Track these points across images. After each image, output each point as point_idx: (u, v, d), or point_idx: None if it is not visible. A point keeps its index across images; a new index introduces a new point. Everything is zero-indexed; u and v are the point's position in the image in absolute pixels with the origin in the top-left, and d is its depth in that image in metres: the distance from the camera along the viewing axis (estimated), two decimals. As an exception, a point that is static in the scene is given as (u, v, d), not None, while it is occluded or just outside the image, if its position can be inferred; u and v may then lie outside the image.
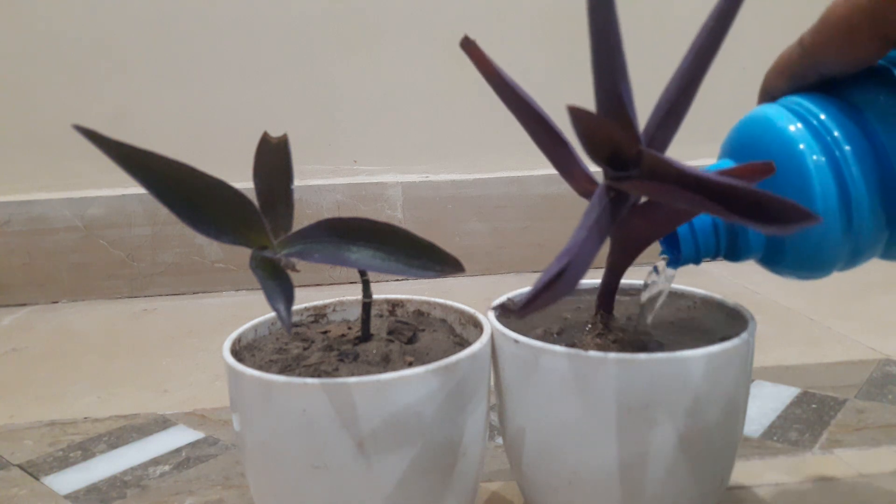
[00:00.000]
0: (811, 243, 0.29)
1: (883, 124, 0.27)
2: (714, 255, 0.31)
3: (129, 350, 0.66)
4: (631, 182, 0.26)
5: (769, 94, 0.31)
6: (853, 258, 0.29)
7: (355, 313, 0.37)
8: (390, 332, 0.33)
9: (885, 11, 0.25)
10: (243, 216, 0.28)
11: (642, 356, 0.28)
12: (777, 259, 0.31)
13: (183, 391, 0.55)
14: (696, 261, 0.31)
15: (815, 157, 0.27)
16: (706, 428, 0.29)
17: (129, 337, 0.70)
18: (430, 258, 0.28)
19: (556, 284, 0.24)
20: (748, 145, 0.30)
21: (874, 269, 0.90)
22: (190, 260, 0.85)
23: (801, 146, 0.28)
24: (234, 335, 0.33)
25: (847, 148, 0.27)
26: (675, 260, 0.32)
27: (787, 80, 0.30)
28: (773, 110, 0.29)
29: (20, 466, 0.44)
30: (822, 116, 0.28)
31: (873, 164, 0.27)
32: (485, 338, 0.31)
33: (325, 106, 0.87)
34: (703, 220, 0.30)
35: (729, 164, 0.30)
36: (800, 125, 0.28)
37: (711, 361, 0.28)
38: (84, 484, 0.42)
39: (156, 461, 0.44)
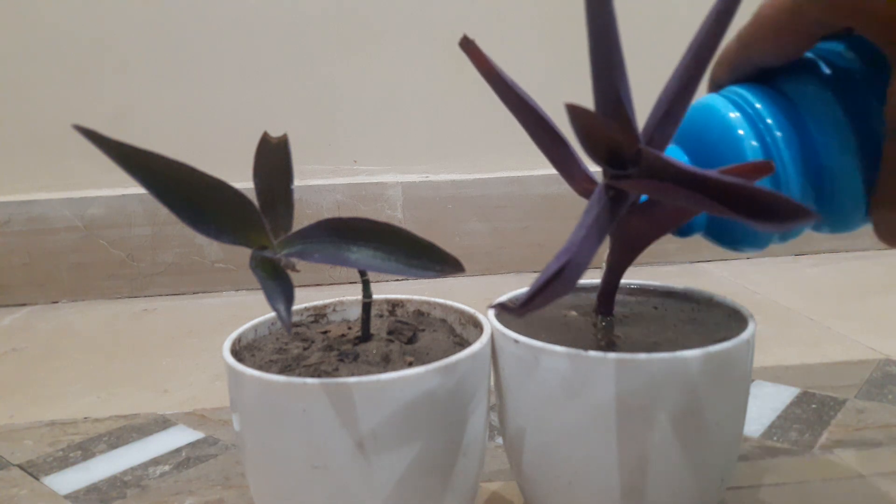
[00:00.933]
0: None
1: (811, 113, 0.30)
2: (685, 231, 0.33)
3: (129, 350, 0.66)
4: (630, 181, 0.26)
5: (715, 83, 0.34)
6: (785, 234, 0.32)
7: (355, 313, 0.37)
8: (390, 332, 0.33)
9: (805, 9, 0.28)
10: (243, 216, 0.28)
11: (642, 356, 0.28)
12: (718, 235, 0.33)
13: (183, 391, 0.55)
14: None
15: (751, 143, 0.30)
16: (706, 428, 0.29)
17: (129, 337, 0.70)
18: (430, 258, 0.28)
19: (555, 283, 0.24)
20: (694, 131, 0.32)
21: (874, 269, 0.91)
22: (190, 260, 0.85)
23: (740, 132, 0.30)
24: (234, 335, 0.33)
25: (778, 134, 0.30)
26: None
27: (729, 71, 0.32)
28: (716, 100, 0.32)
29: (20, 466, 0.44)
30: (758, 105, 0.31)
31: (801, 149, 0.30)
32: (485, 338, 0.31)
33: (325, 106, 0.87)
34: None
35: (676, 150, 0.33)
36: (738, 113, 0.31)
37: (711, 361, 0.28)
38: (84, 484, 0.42)
39: (156, 461, 0.44)
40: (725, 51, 0.32)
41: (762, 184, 0.29)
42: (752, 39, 0.30)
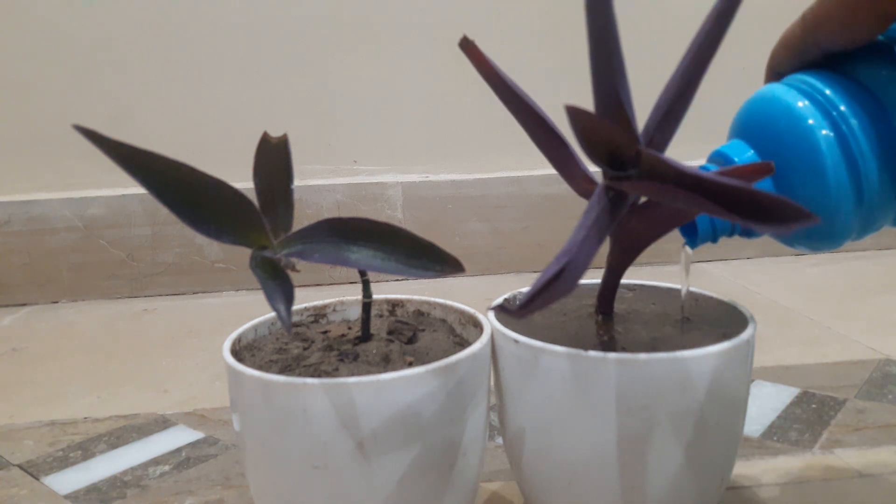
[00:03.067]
0: (825, 217, 0.29)
1: (886, 98, 0.28)
2: (731, 233, 0.32)
3: (129, 350, 0.66)
4: (630, 182, 0.26)
5: (775, 71, 0.31)
6: (864, 229, 0.30)
7: (355, 313, 0.37)
8: (390, 332, 0.33)
9: None
10: (243, 216, 0.28)
11: (642, 356, 0.28)
12: (790, 235, 0.31)
13: (183, 391, 0.55)
14: (714, 238, 0.32)
15: (823, 132, 0.28)
16: (706, 428, 0.29)
17: (129, 337, 0.70)
18: (430, 258, 0.28)
19: (555, 285, 0.24)
20: (757, 124, 0.31)
21: (874, 269, 0.90)
22: (190, 260, 0.85)
23: (810, 122, 0.28)
24: (234, 335, 0.33)
25: (853, 122, 0.28)
26: (692, 240, 0.32)
27: (791, 57, 0.30)
28: (780, 89, 0.30)
29: (20, 466, 0.44)
30: (828, 92, 0.28)
31: (879, 137, 0.28)
32: (485, 338, 0.31)
33: (325, 106, 0.87)
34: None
35: (739, 144, 0.31)
36: (806, 102, 0.29)
37: (711, 361, 0.28)
38: (84, 484, 0.42)
39: (156, 461, 0.44)
40: (787, 35, 0.30)
41: (844, 175, 0.28)
42: (820, 21, 0.28)
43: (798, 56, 0.30)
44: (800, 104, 0.29)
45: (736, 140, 0.31)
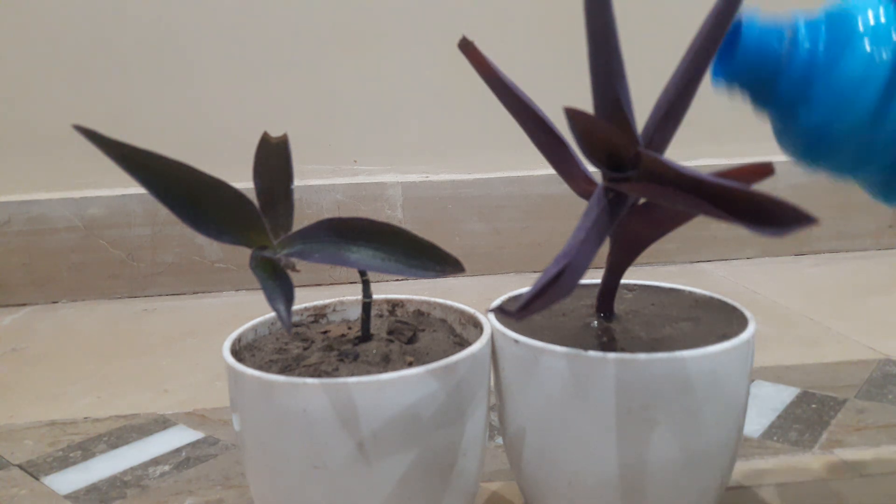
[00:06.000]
0: (839, 113, 0.29)
1: None
2: (758, 77, 0.30)
3: (129, 350, 0.66)
4: (629, 183, 0.26)
5: None
6: (865, 156, 0.29)
7: (355, 313, 0.37)
8: (390, 332, 0.33)
9: None
10: (243, 216, 0.28)
11: (642, 356, 0.28)
12: (794, 118, 0.30)
13: (183, 391, 0.55)
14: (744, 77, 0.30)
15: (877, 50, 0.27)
16: (706, 428, 0.29)
17: (129, 337, 0.70)
18: (430, 258, 0.28)
19: (555, 286, 0.24)
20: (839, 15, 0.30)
21: (874, 269, 0.90)
22: (190, 260, 0.85)
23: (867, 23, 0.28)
24: (234, 335, 0.33)
25: None
26: (724, 70, 0.31)
27: None
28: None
29: (20, 466, 0.44)
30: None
31: None
32: (485, 338, 0.31)
33: (325, 106, 0.87)
34: (768, 37, 0.30)
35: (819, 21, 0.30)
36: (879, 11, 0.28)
37: (711, 361, 0.28)
38: (84, 484, 0.42)
39: (156, 461, 0.44)
40: None
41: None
42: None
43: None
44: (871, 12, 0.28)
45: (819, 19, 0.30)
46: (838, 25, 0.30)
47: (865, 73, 0.28)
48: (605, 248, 0.30)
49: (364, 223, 0.28)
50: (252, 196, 0.28)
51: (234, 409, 0.30)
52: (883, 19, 0.29)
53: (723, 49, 0.31)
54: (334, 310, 0.38)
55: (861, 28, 0.29)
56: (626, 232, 0.31)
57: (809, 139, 0.30)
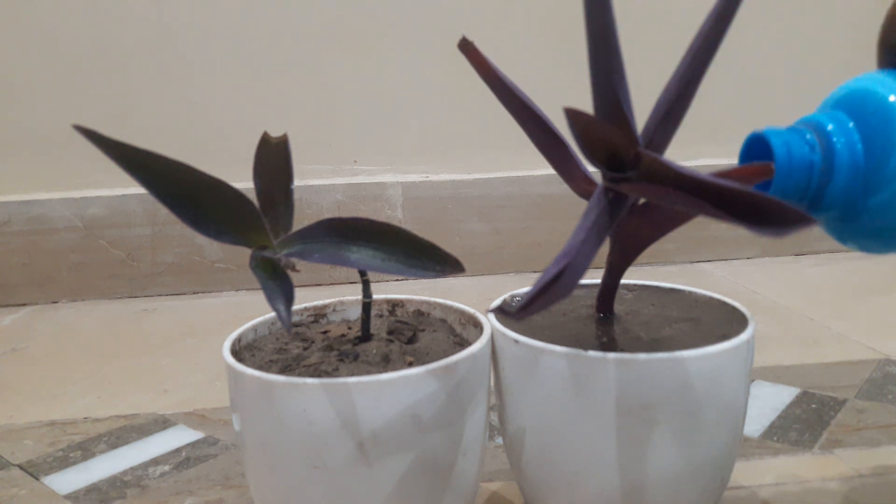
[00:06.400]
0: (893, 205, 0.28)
1: None
2: (801, 195, 0.30)
3: (129, 350, 0.66)
4: (629, 184, 0.26)
5: (886, 45, 0.30)
6: None
7: (355, 313, 0.37)
8: (390, 332, 0.33)
9: None
10: (243, 216, 0.28)
11: (642, 356, 0.28)
12: (851, 220, 0.30)
13: (183, 391, 0.55)
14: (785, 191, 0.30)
15: None
16: (706, 428, 0.29)
17: (129, 337, 0.70)
18: (430, 258, 0.28)
19: (554, 287, 0.24)
20: (857, 105, 0.29)
21: (874, 269, 0.90)
22: (190, 260, 0.85)
23: None
24: (234, 335, 0.33)
25: None
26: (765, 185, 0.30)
27: None
28: (881, 78, 0.29)
29: (20, 466, 0.44)
30: None
31: None
32: (485, 338, 0.31)
33: (325, 106, 0.87)
34: (801, 151, 0.29)
35: (842, 116, 0.30)
36: None
37: (711, 361, 0.28)
38: (84, 484, 0.42)
39: (156, 461, 0.44)
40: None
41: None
42: None
43: None
44: (892, 98, 0.28)
45: (839, 112, 0.30)
46: (865, 114, 0.29)
47: None
48: (605, 248, 0.30)
49: (364, 223, 0.28)
50: (252, 196, 0.28)
51: (234, 409, 0.30)
52: None
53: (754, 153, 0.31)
54: (334, 310, 0.38)
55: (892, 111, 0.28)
56: (626, 232, 0.31)
57: (877, 237, 0.30)
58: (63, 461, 0.44)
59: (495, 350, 0.32)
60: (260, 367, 0.30)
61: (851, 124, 0.29)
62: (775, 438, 0.44)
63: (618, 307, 0.35)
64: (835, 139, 0.29)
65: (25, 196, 0.83)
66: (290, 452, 0.28)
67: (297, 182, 0.83)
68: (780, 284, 0.80)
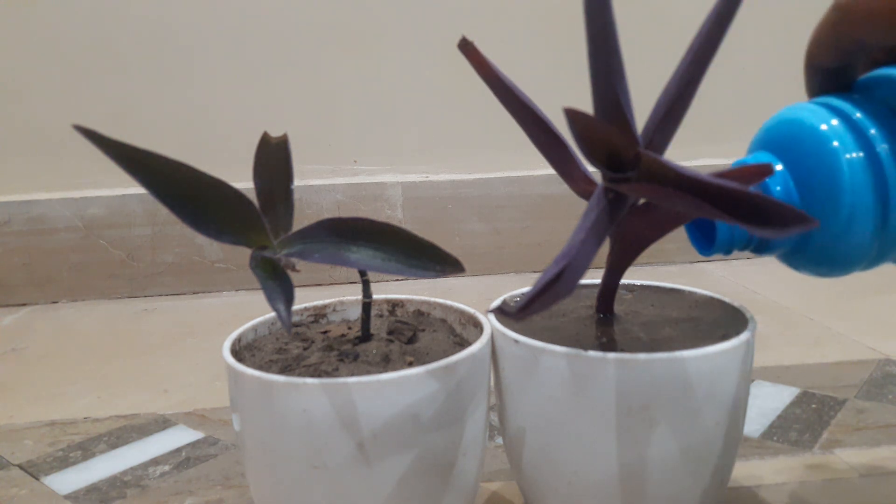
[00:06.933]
0: (842, 240, 0.29)
1: None
2: (745, 246, 0.31)
3: (129, 350, 0.66)
4: (629, 184, 0.26)
5: (813, 67, 0.30)
6: (878, 258, 0.30)
7: (355, 313, 0.37)
8: (390, 332, 0.33)
9: None
10: (243, 216, 0.28)
11: (642, 356, 0.28)
12: (801, 255, 0.31)
13: (183, 391, 0.55)
14: (728, 250, 0.31)
15: (849, 155, 0.28)
16: (706, 428, 0.29)
17: (129, 337, 0.70)
18: (430, 258, 0.28)
19: (554, 287, 0.24)
20: (784, 141, 0.30)
21: (874, 269, 0.90)
22: (190, 260, 0.85)
23: (835, 143, 0.28)
24: (234, 335, 0.33)
25: (884, 146, 0.27)
26: (706, 248, 0.31)
27: (829, 52, 0.29)
28: (809, 108, 0.30)
29: (20, 466, 0.44)
30: (858, 115, 0.28)
31: None
32: (485, 338, 0.31)
33: (325, 106, 0.87)
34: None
35: (767, 157, 0.30)
36: (835, 122, 0.28)
37: (711, 361, 0.28)
38: (84, 484, 0.42)
39: (156, 461, 0.44)
40: (821, 25, 0.28)
41: (869, 199, 0.27)
42: (859, 7, 0.26)
43: (836, 52, 0.28)
44: (826, 126, 0.28)
45: (763, 153, 0.31)
46: (796, 152, 0.29)
47: (851, 195, 0.28)
48: (605, 248, 0.30)
49: (364, 223, 0.28)
50: (252, 196, 0.28)
51: (234, 409, 0.30)
52: (835, 124, 0.28)
53: (698, 236, 0.32)
54: (334, 310, 0.38)
55: (825, 149, 0.28)
56: (626, 232, 0.31)
57: (821, 265, 0.31)
58: (63, 461, 0.44)
59: (495, 350, 0.32)
60: (260, 367, 0.30)
61: (780, 167, 0.30)
62: (775, 438, 0.44)
63: (618, 307, 0.35)
64: (772, 188, 0.30)
65: (25, 196, 0.83)
66: (290, 452, 0.28)
67: (297, 182, 0.83)
68: (780, 284, 0.80)
